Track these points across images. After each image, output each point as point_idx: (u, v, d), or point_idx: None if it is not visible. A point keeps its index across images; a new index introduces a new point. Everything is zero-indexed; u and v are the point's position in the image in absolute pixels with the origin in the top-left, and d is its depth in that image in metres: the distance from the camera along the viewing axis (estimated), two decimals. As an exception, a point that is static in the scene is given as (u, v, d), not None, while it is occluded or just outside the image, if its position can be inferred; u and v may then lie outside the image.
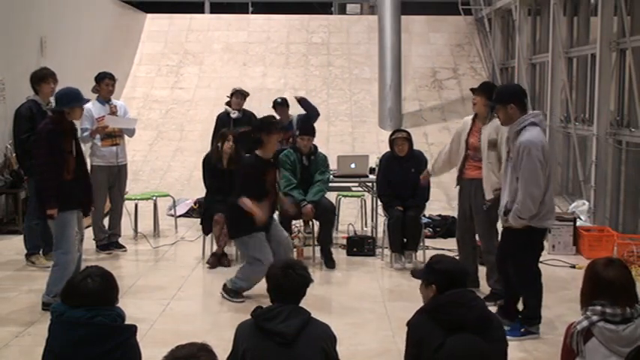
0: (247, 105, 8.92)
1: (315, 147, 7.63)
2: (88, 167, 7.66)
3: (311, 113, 8.55)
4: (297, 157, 7.45)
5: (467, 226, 6.40)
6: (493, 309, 5.22)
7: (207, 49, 15.46)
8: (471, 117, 6.36)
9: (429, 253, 7.53)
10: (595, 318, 3.30)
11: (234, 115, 8.64)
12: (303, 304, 3.46)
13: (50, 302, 5.74)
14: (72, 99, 5.77)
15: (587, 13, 10.27)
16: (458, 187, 6.50)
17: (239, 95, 8.73)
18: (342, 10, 20.71)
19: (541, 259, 6.21)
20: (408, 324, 3.35)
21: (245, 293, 6.22)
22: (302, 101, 8.63)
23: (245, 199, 6.09)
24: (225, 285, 6.28)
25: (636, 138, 8.31)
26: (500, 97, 5.30)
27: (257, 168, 6.19)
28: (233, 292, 6.20)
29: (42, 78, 7.08)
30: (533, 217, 5.17)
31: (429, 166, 6.99)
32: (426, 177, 6.98)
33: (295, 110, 8.77)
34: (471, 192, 6.24)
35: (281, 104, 8.69)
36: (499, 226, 5.80)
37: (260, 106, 12.38)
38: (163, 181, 11.85)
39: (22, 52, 9.40)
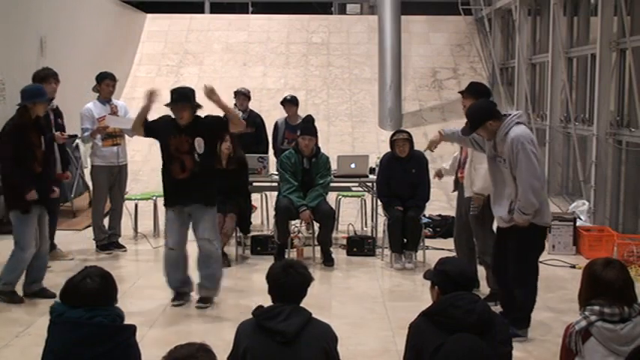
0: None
1: (318, 148, 7.61)
2: (89, 167, 7.74)
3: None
4: (298, 159, 7.43)
5: (463, 227, 6.41)
6: (494, 309, 5.20)
7: (207, 49, 15.45)
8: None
9: (429, 253, 7.60)
10: (593, 318, 3.29)
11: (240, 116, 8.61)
12: (303, 304, 3.46)
13: (1, 290, 6.00)
14: (34, 95, 6.05)
15: (587, 13, 10.27)
16: (456, 190, 6.54)
17: (241, 96, 8.71)
18: (342, 10, 20.72)
19: (541, 259, 6.18)
20: (410, 325, 3.35)
21: (243, 298, 6.20)
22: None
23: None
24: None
25: (636, 138, 8.31)
26: (476, 122, 5.18)
27: (166, 128, 5.95)
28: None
29: (44, 78, 7.11)
30: (536, 214, 5.15)
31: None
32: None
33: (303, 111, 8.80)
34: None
35: (290, 101, 8.69)
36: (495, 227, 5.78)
37: (260, 106, 12.40)
38: (163, 181, 11.82)
39: (22, 52, 9.40)
